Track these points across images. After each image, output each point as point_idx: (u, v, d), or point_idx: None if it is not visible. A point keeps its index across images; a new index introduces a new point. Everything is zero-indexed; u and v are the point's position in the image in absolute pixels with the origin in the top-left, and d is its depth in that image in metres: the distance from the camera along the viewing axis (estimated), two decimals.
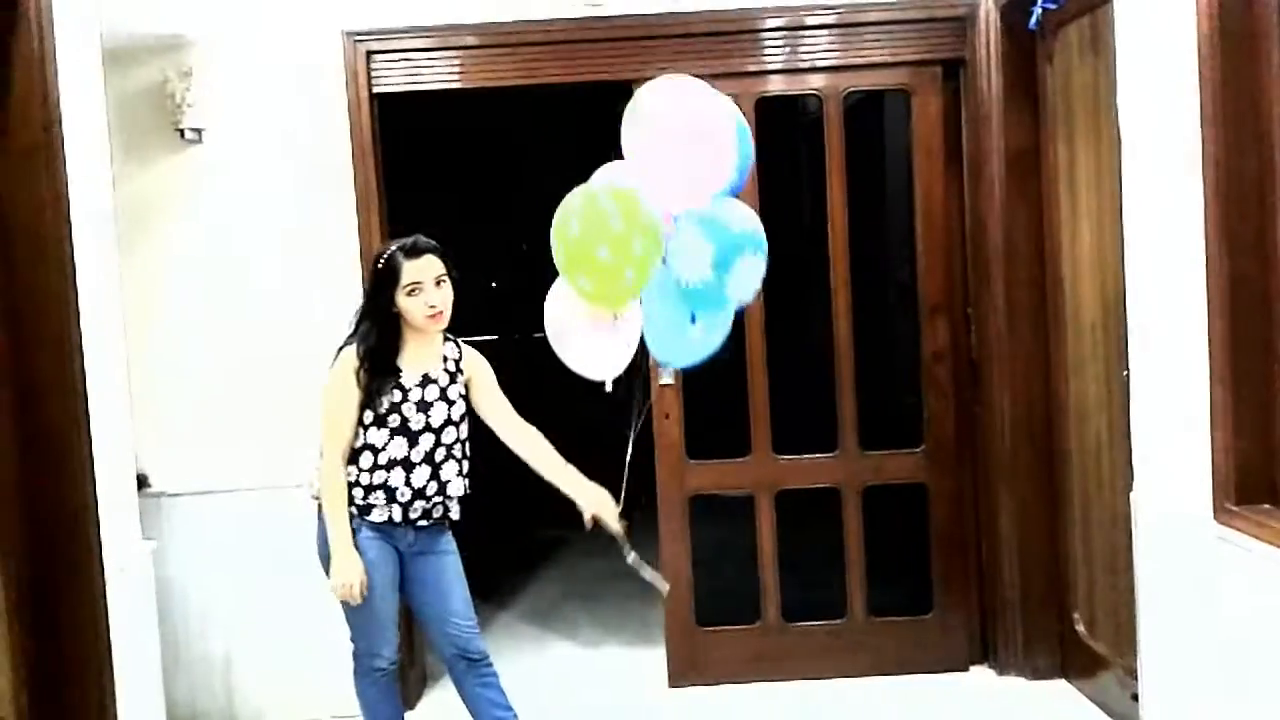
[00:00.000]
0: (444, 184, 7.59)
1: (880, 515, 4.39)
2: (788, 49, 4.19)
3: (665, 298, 2.68)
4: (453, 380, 3.23)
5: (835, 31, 4.16)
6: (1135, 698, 3.28)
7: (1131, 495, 3.15)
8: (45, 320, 2.97)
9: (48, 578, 3.01)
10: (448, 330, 3.24)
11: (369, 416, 3.13)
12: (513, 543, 6.11)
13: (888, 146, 5.75)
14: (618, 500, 3.17)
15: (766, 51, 4.20)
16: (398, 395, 3.13)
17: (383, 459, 3.13)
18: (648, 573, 3.12)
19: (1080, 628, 4.01)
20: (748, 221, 2.61)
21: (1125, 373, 3.17)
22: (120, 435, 3.27)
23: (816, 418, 4.48)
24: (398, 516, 3.16)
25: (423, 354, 3.20)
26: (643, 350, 2.86)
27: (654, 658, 4.45)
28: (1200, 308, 2.71)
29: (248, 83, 4.06)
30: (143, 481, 3.92)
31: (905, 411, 4.58)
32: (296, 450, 3.96)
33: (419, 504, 3.17)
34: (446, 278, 3.15)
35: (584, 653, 4.78)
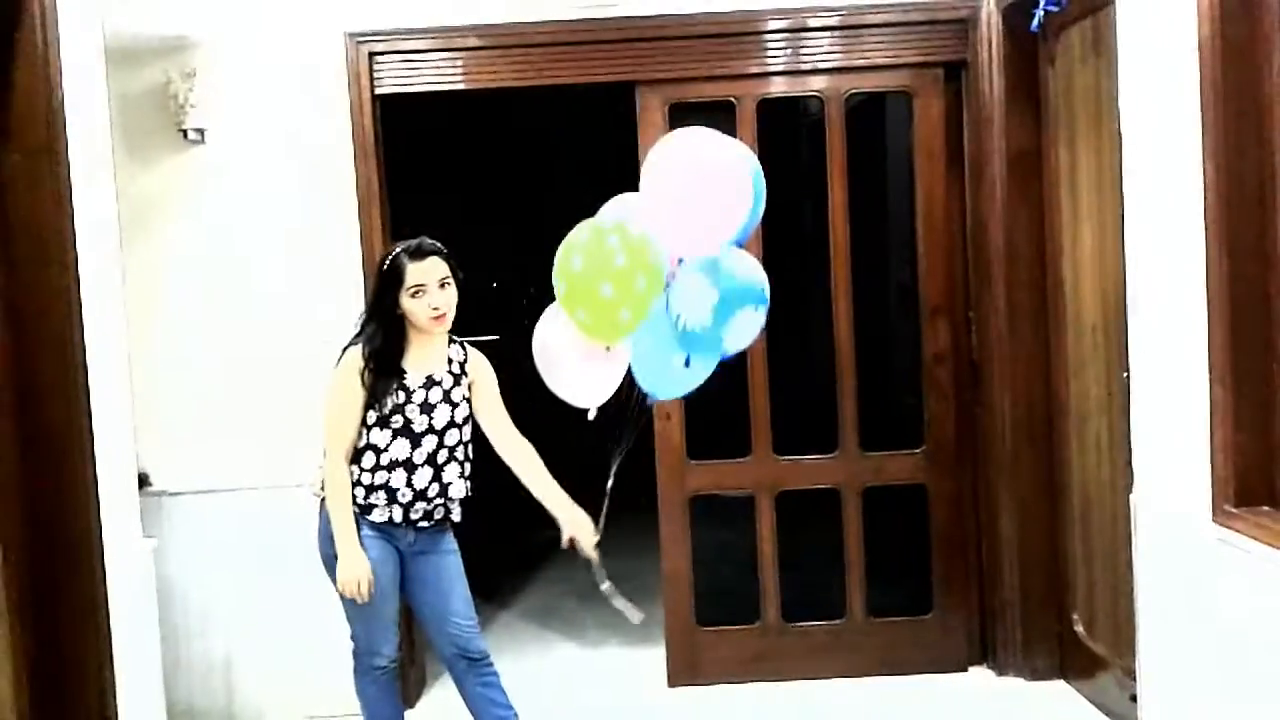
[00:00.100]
0: (446, 184, 7.60)
1: (880, 516, 4.40)
2: (790, 51, 4.20)
3: (658, 333, 2.69)
4: (457, 382, 3.23)
5: (837, 33, 4.17)
6: (1134, 699, 3.28)
7: (1131, 497, 3.15)
8: (48, 319, 2.98)
9: (49, 576, 3.02)
10: (451, 331, 3.25)
11: (372, 417, 3.14)
12: (513, 542, 6.11)
13: (889, 148, 5.75)
14: (597, 525, 3.20)
15: (768, 53, 4.20)
16: (401, 396, 3.14)
17: (385, 459, 3.14)
18: (619, 602, 3.16)
19: (1079, 629, 4.01)
20: (754, 275, 2.63)
21: (1125, 374, 3.18)
22: (122, 434, 3.27)
23: (817, 419, 4.49)
24: (398, 517, 3.17)
25: (427, 355, 3.21)
26: (627, 382, 2.87)
27: (654, 657, 4.46)
28: (1201, 310, 2.71)
29: (250, 83, 4.07)
30: (144, 480, 3.93)
31: (906, 412, 4.59)
32: (297, 450, 3.97)
33: (420, 505, 3.18)
34: (450, 280, 3.16)
35: (584, 652, 4.78)
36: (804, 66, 4.21)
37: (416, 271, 3.11)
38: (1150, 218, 2.97)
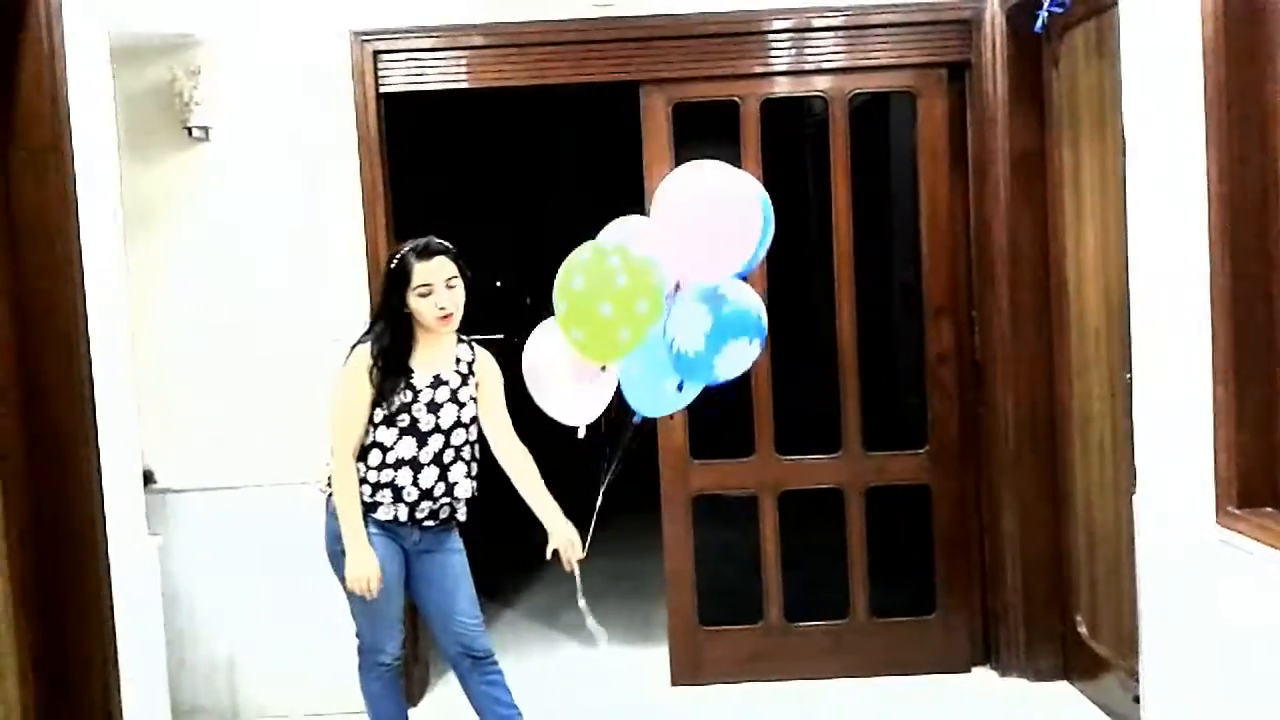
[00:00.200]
0: (450, 182, 7.60)
1: (883, 516, 4.40)
2: (794, 51, 4.20)
3: (651, 355, 2.70)
4: (464, 382, 3.23)
5: (841, 34, 4.17)
6: (1137, 700, 3.28)
7: (1134, 498, 3.15)
8: (53, 317, 2.99)
9: (54, 573, 3.03)
10: (459, 331, 3.25)
11: (379, 415, 3.14)
12: (518, 542, 6.12)
13: (893, 148, 5.75)
14: (584, 541, 3.22)
15: (773, 53, 4.20)
16: (408, 395, 3.14)
17: (391, 458, 3.14)
18: (591, 621, 3.21)
19: (1082, 630, 4.01)
20: (752, 306, 2.64)
21: (1128, 376, 3.18)
22: (126, 432, 3.28)
23: (820, 418, 4.49)
24: (403, 515, 3.17)
25: (435, 355, 3.21)
26: (615, 400, 2.88)
27: (657, 657, 4.47)
28: (1203, 311, 2.71)
29: (255, 82, 4.08)
30: (148, 478, 3.93)
31: (909, 413, 4.59)
32: (301, 447, 3.99)
33: (426, 504, 3.18)
34: (458, 279, 3.16)
35: (587, 651, 4.78)
36: (808, 66, 4.21)
37: (423, 271, 3.11)
38: (1153, 219, 2.97)
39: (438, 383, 3.18)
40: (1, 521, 2.91)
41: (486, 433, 3.29)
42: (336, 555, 3.18)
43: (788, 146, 5.66)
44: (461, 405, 3.21)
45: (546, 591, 5.52)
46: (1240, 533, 2.60)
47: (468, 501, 3.27)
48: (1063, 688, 4.14)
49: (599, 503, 3.00)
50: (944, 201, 4.27)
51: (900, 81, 4.27)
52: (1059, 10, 3.72)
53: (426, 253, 3.13)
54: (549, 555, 3.27)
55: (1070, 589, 4.07)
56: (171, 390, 4.11)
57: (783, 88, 4.28)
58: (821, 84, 4.25)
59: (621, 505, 4.87)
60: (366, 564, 3.11)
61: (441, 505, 3.21)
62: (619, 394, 2.90)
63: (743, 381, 4.26)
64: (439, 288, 3.12)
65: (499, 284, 7.89)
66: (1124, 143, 3.10)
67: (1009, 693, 4.17)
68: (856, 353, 4.31)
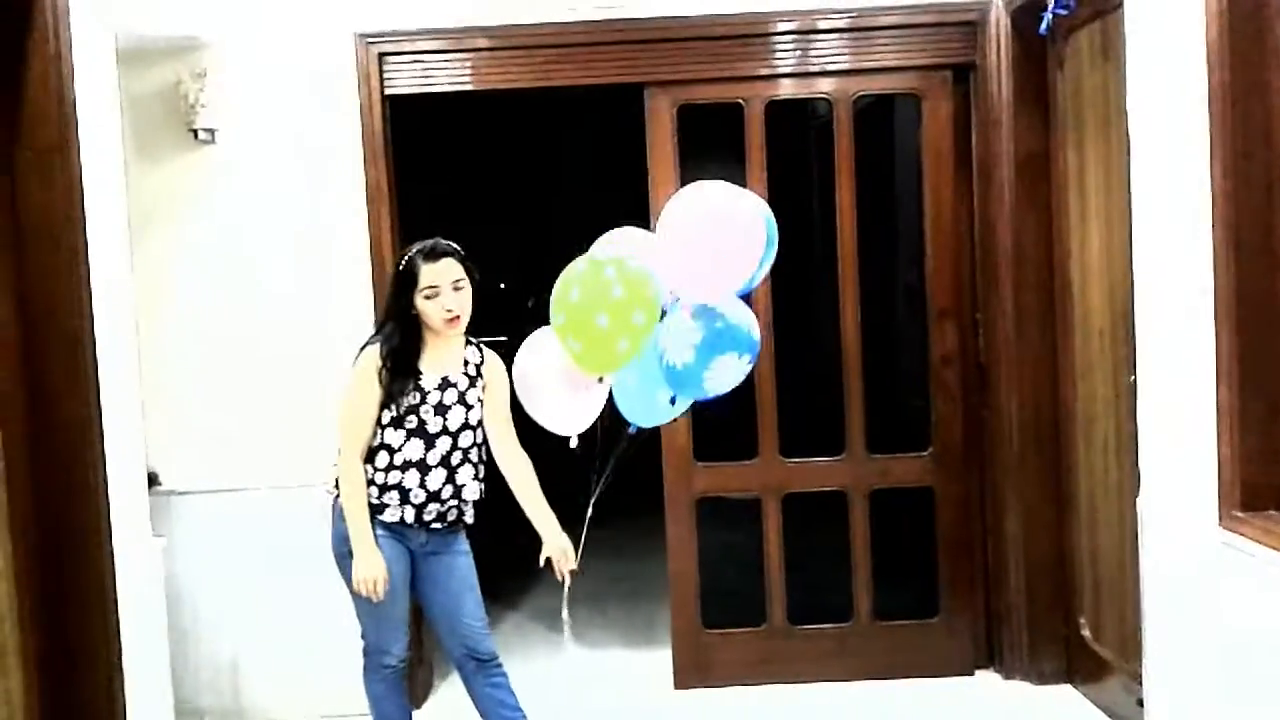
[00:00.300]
0: (456, 184, 7.61)
1: (887, 519, 4.40)
2: (798, 53, 4.20)
3: (643, 365, 2.71)
4: (472, 384, 3.23)
5: (846, 36, 4.17)
6: (1140, 703, 3.28)
7: (1138, 500, 3.15)
8: (58, 318, 3.00)
9: (59, 574, 3.03)
10: (467, 333, 3.25)
11: (386, 417, 3.15)
12: (522, 543, 6.13)
13: (897, 150, 5.75)
14: (576, 553, 3.22)
15: (777, 55, 4.20)
16: (416, 397, 3.14)
17: (398, 460, 3.14)
18: (566, 632, 3.19)
19: (1086, 633, 4.01)
20: (744, 323, 2.64)
21: (1132, 378, 3.18)
22: (132, 433, 3.29)
23: (824, 421, 4.49)
24: (410, 517, 3.17)
25: (443, 357, 3.21)
26: (607, 409, 2.88)
27: (660, 659, 4.46)
28: (1208, 314, 2.71)
29: (261, 84, 4.09)
30: (153, 479, 3.94)
31: (912, 415, 4.59)
32: (305, 449, 4.00)
33: (433, 506, 3.19)
34: (465, 281, 3.16)
35: (591, 654, 4.78)
36: (812, 68, 4.21)
37: (430, 273, 3.12)
38: (1158, 221, 2.97)
39: (446, 385, 3.19)
40: (7, 522, 2.92)
41: (489, 436, 3.28)
42: (344, 556, 3.18)
43: (792, 148, 5.67)
44: (469, 407, 3.22)
45: (551, 594, 5.52)
46: (1244, 536, 2.59)
47: (475, 504, 3.28)
48: (1066, 690, 4.13)
49: (589, 513, 3.01)
50: (948, 203, 4.27)
51: (905, 83, 4.27)
52: (1064, 12, 3.72)
53: (433, 255, 3.14)
54: (541, 563, 3.27)
55: (1074, 592, 4.07)
56: (176, 392, 4.12)
57: (787, 90, 4.28)
58: (826, 86, 4.26)
59: (625, 508, 4.89)
60: (373, 565, 3.11)
61: (449, 508, 3.22)
62: (611, 403, 2.90)
63: (746, 384, 4.27)
64: (446, 289, 3.12)
65: (503, 286, 7.90)
66: (1128, 145, 3.10)
67: (1012, 695, 4.17)
68: (860, 355, 4.31)
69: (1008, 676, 4.26)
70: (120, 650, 3.13)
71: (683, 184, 3.83)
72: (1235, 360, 2.63)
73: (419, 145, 5.15)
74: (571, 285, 2.62)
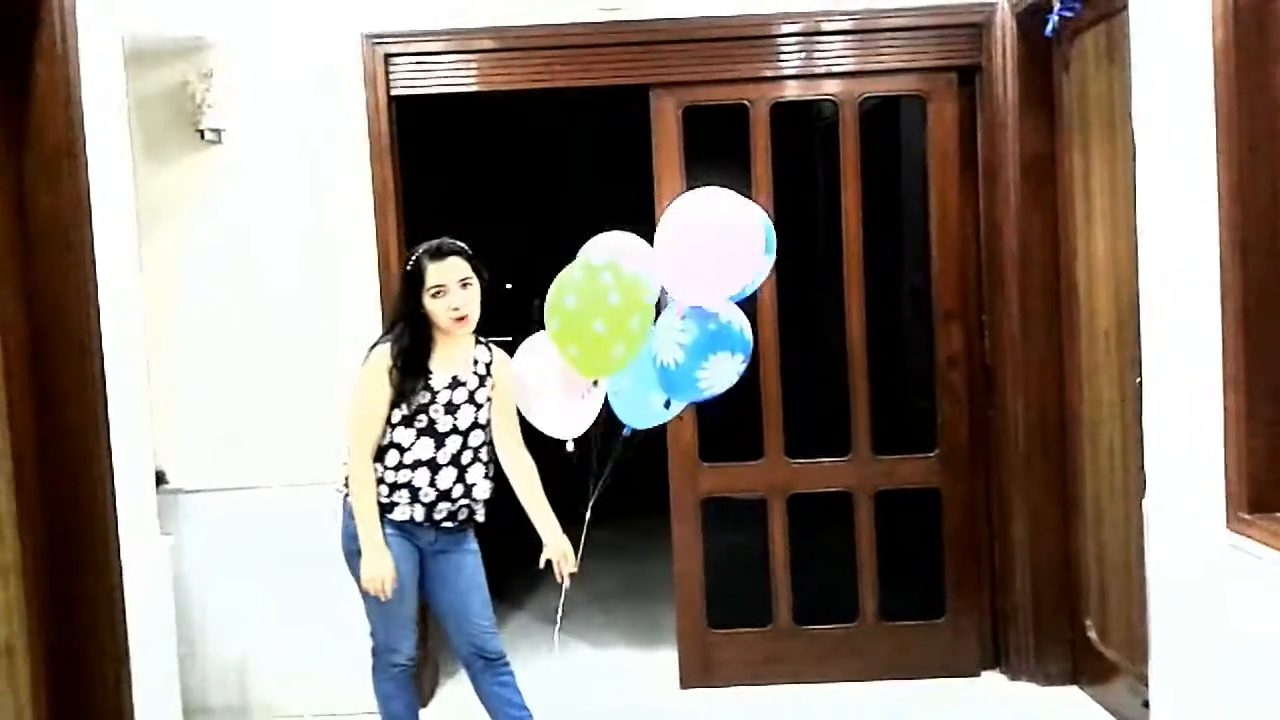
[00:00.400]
0: (461, 184, 7.61)
1: (893, 520, 4.40)
2: (804, 54, 4.20)
3: (637, 368, 2.71)
4: (481, 383, 3.24)
5: (851, 37, 4.17)
6: (1147, 704, 3.27)
7: (1144, 502, 3.15)
8: (66, 318, 3.00)
9: (66, 572, 3.04)
10: (475, 332, 3.26)
11: (396, 416, 3.15)
12: (529, 543, 6.13)
13: (903, 152, 5.75)
14: (576, 555, 3.25)
15: (783, 57, 4.21)
16: (426, 397, 3.15)
17: (408, 459, 3.15)
18: (556, 631, 3.37)
19: (1092, 634, 4.00)
20: (735, 322, 2.65)
21: (1138, 380, 3.18)
22: (139, 432, 3.30)
23: (829, 422, 4.49)
24: (420, 516, 3.18)
25: (453, 356, 3.22)
26: (604, 412, 2.89)
27: (665, 659, 4.47)
28: (1214, 316, 2.71)
29: (267, 84, 4.10)
30: (160, 478, 3.95)
31: (918, 416, 4.58)
32: (311, 448, 4.01)
33: (444, 505, 3.19)
34: (472, 279, 3.16)
35: (597, 653, 4.79)
36: (818, 70, 4.22)
37: (436, 272, 3.12)
38: (1164, 223, 2.97)
39: (455, 384, 3.19)
40: (15, 521, 2.93)
41: (494, 435, 3.29)
42: (353, 555, 3.19)
43: (798, 150, 5.67)
44: (479, 406, 3.22)
45: (556, 594, 5.52)
46: (1251, 538, 2.59)
47: (485, 502, 3.28)
48: (1072, 692, 4.13)
49: (588, 516, 3.02)
50: (954, 205, 4.27)
51: (910, 85, 4.27)
52: (1069, 15, 3.71)
53: (439, 254, 3.14)
54: (541, 565, 3.29)
55: (1080, 593, 4.07)
56: (183, 390, 4.13)
57: (793, 91, 4.28)
58: (831, 88, 4.26)
59: (631, 508, 4.89)
60: (382, 564, 3.12)
61: (460, 506, 3.22)
62: (607, 406, 2.91)
63: (752, 385, 4.30)
64: (452, 288, 3.12)
65: (509, 286, 7.91)
66: (1134, 147, 3.10)
67: (1018, 697, 4.17)
68: (866, 356, 4.31)
69: (1014, 678, 4.26)
70: (128, 648, 3.13)
71: (688, 185, 3.85)
72: (1242, 362, 2.63)
73: (425, 145, 5.15)
74: (567, 292, 2.63)
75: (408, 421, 3.15)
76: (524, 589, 5.48)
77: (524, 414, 3.13)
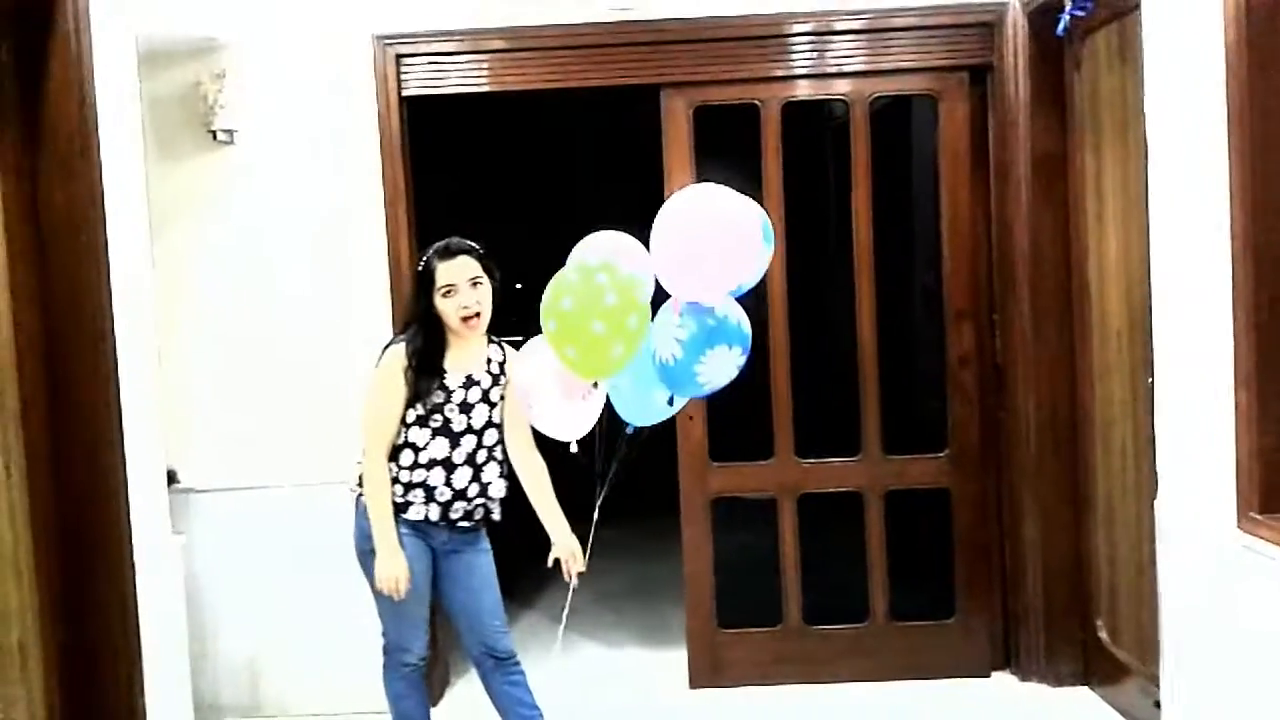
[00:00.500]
0: (472, 184, 7.62)
1: (903, 520, 4.39)
2: (815, 54, 4.20)
3: (636, 366, 2.71)
4: (495, 382, 3.25)
5: (862, 37, 4.17)
6: (1158, 705, 3.27)
7: (1155, 502, 3.14)
8: (79, 317, 3.02)
9: (79, 571, 3.06)
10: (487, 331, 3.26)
11: (411, 416, 3.16)
12: (538, 542, 6.14)
13: (914, 151, 5.74)
14: (584, 553, 3.27)
15: (794, 56, 4.20)
16: (440, 397, 3.16)
17: (423, 458, 3.16)
18: (560, 630, 3.43)
19: (1103, 635, 4.00)
20: (732, 315, 2.65)
21: (1150, 380, 3.17)
22: (151, 431, 3.31)
23: (840, 421, 4.49)
24: (435, 515, 3.18)
25: (466, 355, 3.22)
26: (605, 415, 2.89)
27: (675, 659, 4.47)
28: (1226, 316, 2.70)
29: (279, 85, 4.11)
30: (171, 477, 3.97)
31: (929, 416, 4.58)
32: (322, 448, 4.02)
33: (460, 505, 3.20)
34: (483, 278, 3.17)
35: (606, 653, 4.80)
36: (829, 70, 4.21)
37: (446, 271, 3.13)
38: (1176, 222, 2.97)
39: (470, 383, 3.20)
40: (28, 520, 2.94)
41: (506, 434, 3.30)
42: (366, 555, 3.20)
43: (809, 149, 5.66)
44: (493, 405, 3.23)
45: (565, 593, 5.53)
46: (1262, 538, 2.59)
47: (501, 501, 3.29)
48: (1083, 693, 4.12)
49: (595, 516, 3.02)
50: (965, 204, 4.26)
51: (921, 85, 4.27)
52: (1081, 14, 3.70)
53: (448, 253, 3.15)
54: (550, 564, 3.29)
55: (1091, 593, 4.06)
56: (195, 389, 4.14)
57: (804, 91, 4.28)
58: (842, 87, 4.25)
59: (640, 508, 4.89)
60: (396, 564, 3.13)
61: (476, 506, 3.23)
62: (609, 406, 2.91)
63: (762, 384, 4.30)
64: (463, 287, 3.13)
65: (519, 286, 7.92)
66: (1146, 146, 3.09)
67: (1029, 697, 4.16)
68: (877, 355, 4.31)
69: (1024, 678, 4.25)
70: (140, 647, 3.15)
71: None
72: (1253, 362, 2.62)
73: (436, 145, 5.16)
74: (563, 293, 2.63)
75: (423, 421, 3.16)
76: (534, 588, 5.49)
77: (527, 418, 3.12)
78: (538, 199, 8.46)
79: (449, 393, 3.16)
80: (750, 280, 2.66)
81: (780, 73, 4.21)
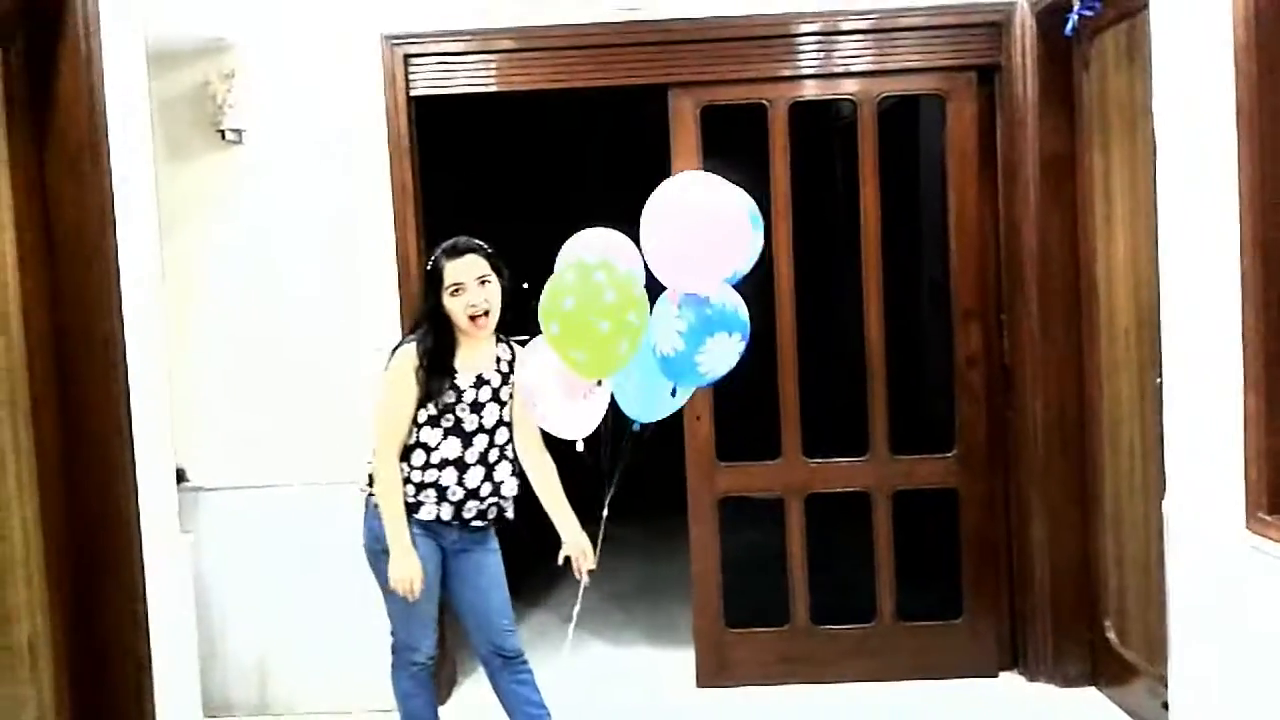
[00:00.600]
0: (480, 183, 7.63)
1: (911, 519, 4.39)
2: (822, 54, 4.20)
3: (637, 361, 2.72)
4: (505, 381, 3.25)
5: (870, 36, 4.17)
6: (1166, 706, 3.26)
7: (1164, 503, 3.14)
8: (89, 317, 3.03)
9: (88, 569, 3.07)
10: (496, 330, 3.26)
11: (422, 416, 3.16)
12: (546, 542, 6.14)
13: (922, 151, 5.74)
14: (595, 551, 3.27)
15: (801, 56, 4.20)
16: (452, 396, 3.16)
17: (435, 458, 3.16)
18: (570, 629, 3.37)
19: (1111, 635, 3.99)
20: (729, 303, 2.66)
21: (1158, 379, 3.16)
22: (160, 430, 3.32)
23: (847, 421, 4.49)
24: (447, 515, 3.19)
25: (476, 355, 3.23)
26: (610, 412, 2.90)
27: (682, 658, 4.47)
28: (1235, 316, 2.69)
29: (287, 85, 4.12)
30: (180, 476, 3.97)
31: (937, 416, 4.58)
32: (330, 447, 4.03)
33: (473, 504, 3.20)
34: (491, 277, 3.17)
35: (614, 652, 4.80)
36: (836, 69, 4.21)
37: (454, 270, 3.14)
38: (1184, 222, 2.96)
39: (480, 382, 3.21)
40: (38, 519, 2.95)
41: (514, 433, 3.31)
42: (376, 554, 3.21)
43: (817, 149, 5.66)
44: (503, 404, 3.24)
45: (573, 592, 5.53)
46: (1271, 539, 2.58)
47: (514, 500, 3.29)
48: (1091, 694, 4.12)
49: (604, 514, 3.02)
50: (973, 204, 4.26)
51: (929, 84, 4.26)
52: (1089, 14, 3.70)
53: (455, 252, 3.16)
54: (560, 562, 3.30)
55: (1099, 594, 4.05)
56: (203, 388, 4.16)
57: (811, 91, 4.28)
58: (850, 87, 4.25)
59: (648, 507, 4.90)
60: (410, 565, 3.13)
61: (490, 505, 3.24)
62: (613, 402, 2.91)
63: (770, 384, 4.30)
64: (471, 285, 3.14)
65: (525, 286, 7.92)
66: (1154, 146, 3.09)
67: (1036, 698, 4.15)
68: (884, 355, 4.31)
69: (1032, 679, 4.25)
70: (149, 646, 3.16)
71: None
72: (1262, 362, 2.61)
73: (444, 144, 5.17)
74: (564, 295, 2.63)
75: (434, 421, 3.16)
76: (542, 588, 5.50)
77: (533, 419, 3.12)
78: (545, 199, 8.47)
79: (460, 392, 3.17)
80: (743, 266, 2.67)
81: (788, 72, 4.21)
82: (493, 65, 4.19)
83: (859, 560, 4.38)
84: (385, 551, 3.16)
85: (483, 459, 3.19)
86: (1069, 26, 3.76)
